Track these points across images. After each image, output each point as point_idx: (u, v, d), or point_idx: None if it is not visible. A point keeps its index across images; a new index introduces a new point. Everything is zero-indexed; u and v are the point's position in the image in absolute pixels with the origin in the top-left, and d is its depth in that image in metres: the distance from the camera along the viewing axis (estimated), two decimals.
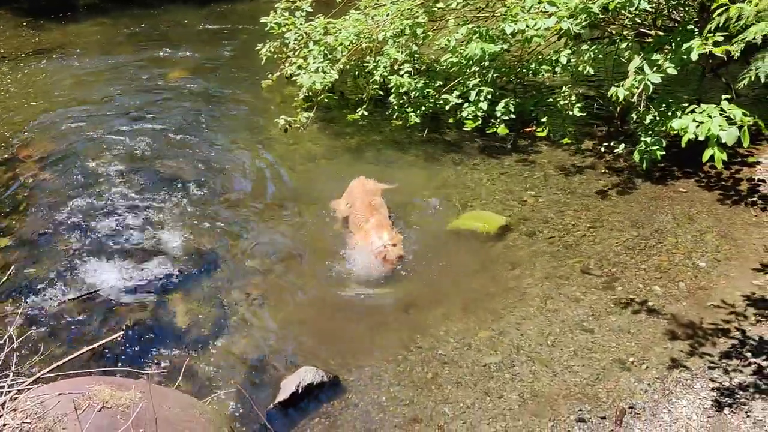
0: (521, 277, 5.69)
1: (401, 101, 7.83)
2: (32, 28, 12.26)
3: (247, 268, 5.88)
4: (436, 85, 7.84)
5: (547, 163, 7.34)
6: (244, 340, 5.11)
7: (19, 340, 4.27)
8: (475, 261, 5.90)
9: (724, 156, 5.26)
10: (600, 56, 7.36)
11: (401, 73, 7.82)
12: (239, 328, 5.23)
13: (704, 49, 5.64)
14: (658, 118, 6.34)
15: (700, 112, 5.53)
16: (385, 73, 7.89)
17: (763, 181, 6.67)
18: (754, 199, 6.45)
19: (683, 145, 5.57)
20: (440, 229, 6.35)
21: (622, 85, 6.29)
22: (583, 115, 7.38)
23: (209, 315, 5.36)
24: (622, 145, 6.97)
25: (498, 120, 7.48)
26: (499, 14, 7.81)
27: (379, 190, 6.39)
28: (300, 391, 4.53)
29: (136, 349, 4.99)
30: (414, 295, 5.56)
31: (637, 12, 7.21)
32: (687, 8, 7.44)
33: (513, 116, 7.46)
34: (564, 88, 7.47)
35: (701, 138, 5.39)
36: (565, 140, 7.49)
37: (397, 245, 5.76)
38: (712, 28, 5.49)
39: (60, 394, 3.52)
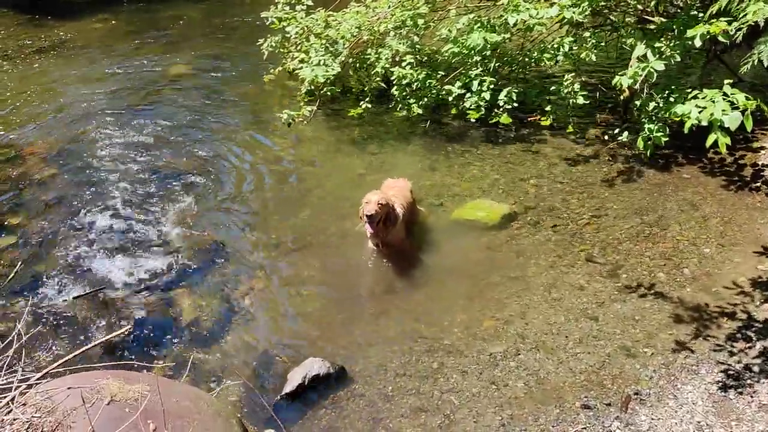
0: (525, 266, 5.72)
1: (404, 93, 7.84)
2: (33, 25, 12.31)
3: (251, 262, 5.93)
4: (439, 75, 7.85)
5: (551, 151, 7.35)
6: (250, 332, 5.15)
7: (27, 336, 4.33)
8: (479, 251, 5.94)
9: (728, 141, 5.27)
10: (602, 43, 7.37)
11: (403, 64, 7.84)
12: (245, 321, 5.28)
13: (706, 30, 5.62)
14: (661, 105, 6.34)
15: (703, 98, 5.55)
16: (387, 65, 7.91)
17: (767, 166, 6.68)
18: (758, 184, 6.46)
19: (686, 131, 5.59)
20: (444, 219, 6.38)
21: (626, 74, 6.31)
22: (587, 103, 7.38)
23: (215, 309, 5.41)
24: (626, 133, 6.98)
25: (501, 109, 7.50)
26: (500, 3, 7.81)
27: (407, 188, 6.27)
28: (306, 382, 4.57)
29: (143, 343, 5.05)
30: (418, 285, 5.60)
31: None
32: None
33: (516, 105, 7.48)
34: (567, 76, 7.46)
35: (704, 123, 5.40)
36: (569, 129, 7.50)
37: (370, 203, 5.47)
38: (714, 11, 5.49)
39: (69, 388, 3.56)
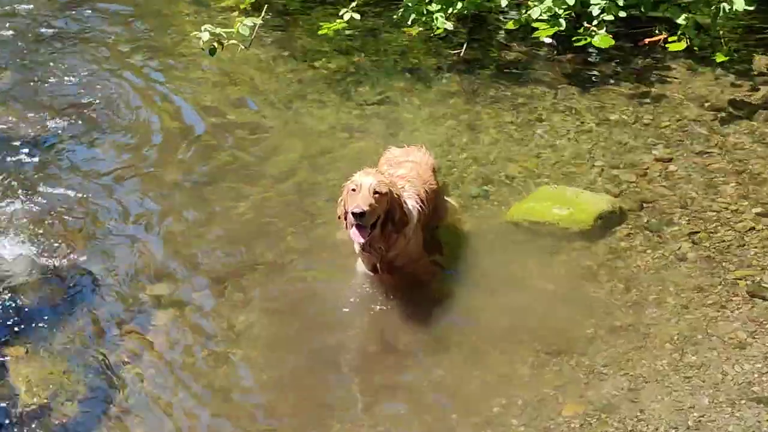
0: (640, 305, 5.71)
1: None
2: None
3: (145, 301, 5.92)
4: None
5: (685, 98, 7.36)
6: (142, 424, 5.12)
7: None
8: (555, 276, 5.94)
9: None
10: None
11: None
12: (130, 408, 5.22)
13: None
14: None
15: None
16: None
17: None
18: None
19: None
20: (493, 219, 6.42)
21: None
22: (751, 9, 7.37)
23: (76, 386, 5.36)
24: None
25: (595, 23, 7.48)
26: None
27: (428, 164, 6.25)
28: None
29: None
30: (446, 341, 5.59)
31: None
32: None
33: (622, 16, 7.47)
34: None
35: None
36: (719, 56, 7.49)
37: (359, 190, 5.39)
38: None
39: None
